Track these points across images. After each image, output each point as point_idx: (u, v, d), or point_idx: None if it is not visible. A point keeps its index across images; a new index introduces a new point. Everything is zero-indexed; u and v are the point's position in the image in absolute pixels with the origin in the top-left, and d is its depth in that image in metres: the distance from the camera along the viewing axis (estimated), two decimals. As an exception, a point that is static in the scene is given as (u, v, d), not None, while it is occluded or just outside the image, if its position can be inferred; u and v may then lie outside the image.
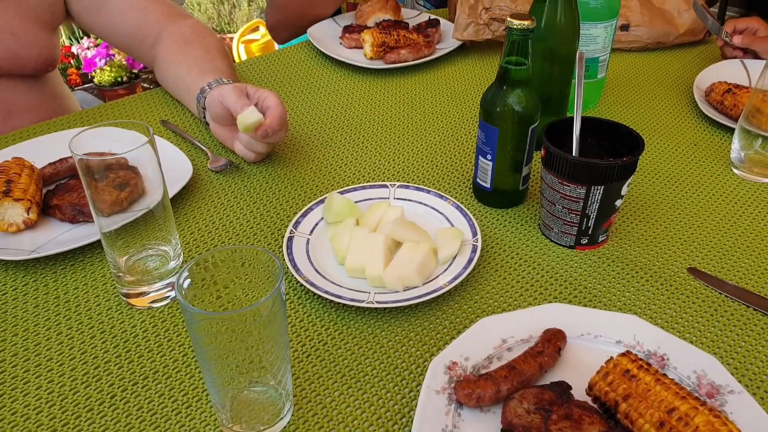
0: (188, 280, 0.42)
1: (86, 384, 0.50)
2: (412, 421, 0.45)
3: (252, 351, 0.41)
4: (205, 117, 0.81)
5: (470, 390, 0.45)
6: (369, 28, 1.07)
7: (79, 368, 0.52)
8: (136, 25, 0.90)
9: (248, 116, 0.70)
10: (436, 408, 0.45)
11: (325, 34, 1.12)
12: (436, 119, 0.90)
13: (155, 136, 0.56)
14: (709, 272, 0.61)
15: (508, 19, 0.61)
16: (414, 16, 1.19)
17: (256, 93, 0.74)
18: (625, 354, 0.46)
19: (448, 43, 1.09)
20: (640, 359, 0.45)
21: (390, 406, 0.48)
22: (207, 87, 0.78)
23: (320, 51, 1.07)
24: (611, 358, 0.46)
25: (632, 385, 0.44)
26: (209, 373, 0.42)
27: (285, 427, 0.46)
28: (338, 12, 1.29)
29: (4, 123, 0.89)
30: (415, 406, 0.46)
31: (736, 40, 0.99)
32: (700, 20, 1.03)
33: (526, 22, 0.61)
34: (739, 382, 0.49)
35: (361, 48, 1.06)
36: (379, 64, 1.02)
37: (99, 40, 2.39)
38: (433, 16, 1.14)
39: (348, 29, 1.09)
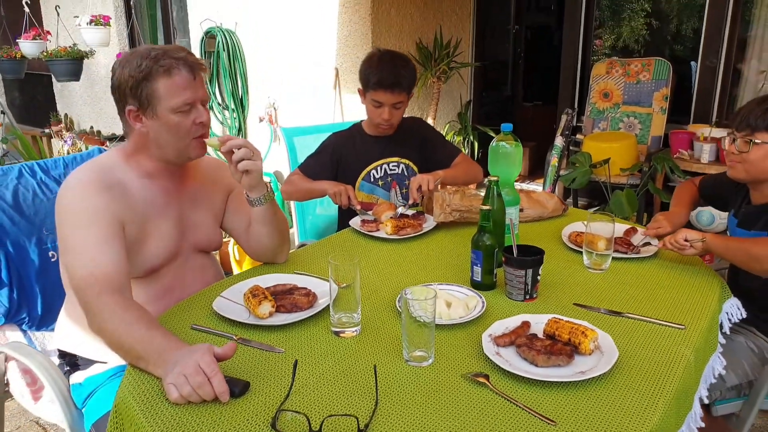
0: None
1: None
2: (482, 350, 1.19)
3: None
4: (249, 200, 1.48)
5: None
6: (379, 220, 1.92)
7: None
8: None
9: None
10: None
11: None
12: (438, 254, 1.71)
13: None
14: (585, 304, 1.42)
15: (482, 207, 1.46)
16: (405, 209, 2.05)
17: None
18: (553, 319, 1.24)
19: (430, 223, 1.94)
20: (560, 319, 1.24)
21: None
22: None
23: (360, 233, 1.89)
24: (548, 321, 1.24)
25: (557, 326, 1.21)
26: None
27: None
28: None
29: (202, 277, 1.57)
30: (481, 345, 1.20)
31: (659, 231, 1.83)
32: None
33: (486, 207, 1.46)
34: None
35: (376, 231, 1.88)
36: (395, 237, 1.85)
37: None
38: (417, 211, 2.01)
39: (365, 222, 1.93)
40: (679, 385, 1.13)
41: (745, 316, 1.59)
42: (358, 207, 2.03)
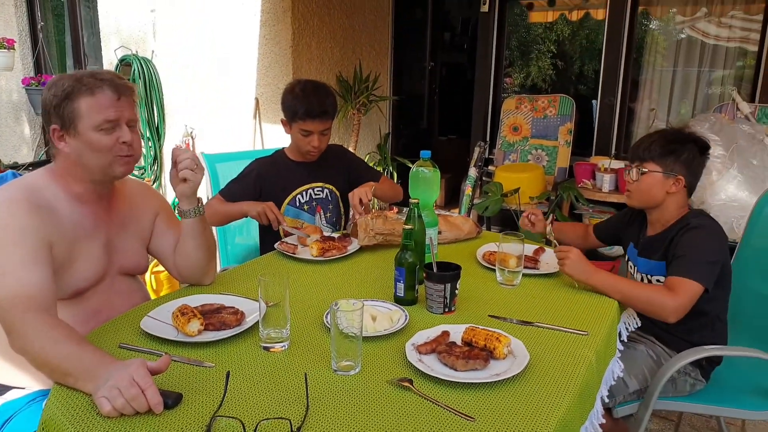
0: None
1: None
2: (405, 359, 1.26)
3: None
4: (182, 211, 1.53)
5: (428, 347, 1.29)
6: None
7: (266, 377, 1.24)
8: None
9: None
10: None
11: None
12: (363, 274, 1.78)
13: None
14: (498, 315, 1.53)
15: (405, 227, 1.55)
16: (329, 233, 2.11)
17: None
18: (470, 328, 1.33)
19: (354, 246, 2.01)
20: (476, 328, 1.33)
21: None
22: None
23: (285, 255, 1.93)
24: (465, 329, 1.33)
25: (474, 333, 1.31)
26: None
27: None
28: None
29: (129, 300, 1.56)
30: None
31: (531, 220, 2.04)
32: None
33: (408, 227, 1.56)
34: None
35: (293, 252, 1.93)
36: (320, 258, 1.91)
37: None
38: (342, 234, 2.08)
39: (282, 243, 1.98)
40: (582, 383, 1.25)
41: (640, 324, 1.75)
42: (284, 223, 2.08)
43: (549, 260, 1.91)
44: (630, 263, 2.01)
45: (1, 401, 1.41)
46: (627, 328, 1.72)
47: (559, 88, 5.11)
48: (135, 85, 1.47)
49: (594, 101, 4.54)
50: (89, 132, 1.37)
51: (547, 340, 1.41)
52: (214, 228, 2.62)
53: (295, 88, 2.23)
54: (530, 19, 5.08)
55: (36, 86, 4.74)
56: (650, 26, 4.42)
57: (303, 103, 2.17)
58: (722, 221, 3.34)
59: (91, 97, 1.36)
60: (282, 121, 2.29)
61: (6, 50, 4.65)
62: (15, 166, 5.23)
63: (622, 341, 1.67)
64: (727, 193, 3.16)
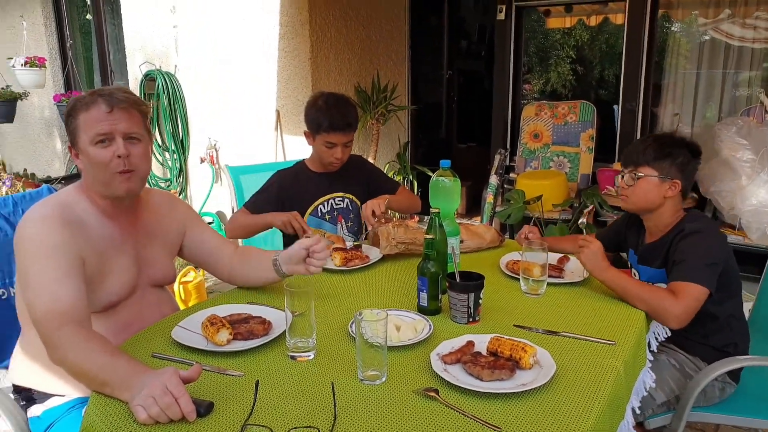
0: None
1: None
2: (431, 368, 1.27)
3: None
4: (280, 270, 1.59)
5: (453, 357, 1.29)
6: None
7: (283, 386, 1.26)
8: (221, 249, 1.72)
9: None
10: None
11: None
12: (386, 284, 1.79)
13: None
14: (524, 325, 1.53)
15: (426, 236, 1.56)
16: (352, 243, 2.13)
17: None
18: (495, 338, 1.34)
19: (375, 255, 2.03)
20: (502, 337, 1.33)
21: (419, 370, 1.30)
22: (276, 257, 1.60)
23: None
24: (490, 339, 1.33)
25: (499, 343, 1.31)
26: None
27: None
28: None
29: (159, 311, 1.59)
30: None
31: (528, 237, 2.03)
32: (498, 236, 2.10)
33: (430, 236, 1.57)
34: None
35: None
36: (342, 268, 1.93)
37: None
38: (354, 245, 2.10)
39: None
40: (611, 394, 1.24)
41: (669, 334, 1.73)
42: (309, 232, 2.10)
43: (574, 269, 1.90)
44: (633, 270, 2.00)
45: (43, 408, 1.45)
46: (656, 338, 1.70)
47: (580, 93, 5.09)
48: (139, 99, 1.47)
49: (615, 106, 4.51)
50: (88, 147, 1.40)
51: (574, 350, 1.40)
52: (240, 241, 2.66)
53: (318, 100, 2.26)
54: (548, 25, 5.07)
55: (66, 102, 4.85)
56: (672, 29, 4.38)
57: (327, 115, 2.21)
58: (754, 227, 3.32)
59: (86, 112, 1.40)
60: (305, 133, 2.32)
61: (38, 68, 4.77)
62: (48, 180, 5.36)
63: (651, 351, 1.65)
64: (758, 197, 3.12)
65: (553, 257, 1.94)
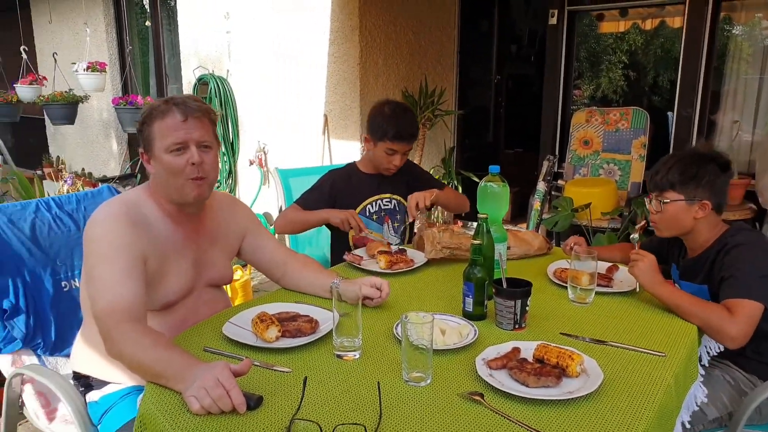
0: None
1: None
2: (476, 373, 1.27)
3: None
4: (333, 294, 1.55)
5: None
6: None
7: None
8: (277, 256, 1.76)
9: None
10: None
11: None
12: (430, 288, 1.79)
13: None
14: (570, 333, 1.51)
15: (473, 242, 1.56)
16: (397, 245, 2.15)
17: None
18: (542, 345, 1.33)
19: (420, 260, 2.04)
20: (548, 345, 1.32)
21: (464, 374, 1.30)
22: (336, 284, 1.60)
23: (354, 267, 1.98)
24: (537, 346, 1.32)
25: (546, 351, 1.30)
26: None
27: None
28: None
29: (213, 309, 1.64)
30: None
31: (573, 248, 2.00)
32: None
33: (477, 242, 1.57)
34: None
35: (359, 263, 1.98)
36: (387, 271, 1.94)
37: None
38: (407, 248, 2.11)
39: (349, 254, 2.03)
40: (660, 406, 1.22)
41: (722, 349, 1.68)
42: (365, 230, 2.14)
43: (623, 278, 1.87)
44: (675, 286, 1.94)
45: (100, 394, 1.53)
46: (708, 352, 1.66)
47: (631, 99, 4.98)
48: (211, 108, 1.51)
49: (670, 113, 4.40)
50: (162, 154, 1.45)
51: (622, 360, 1.38)
52: (286, 238, 2.71)
53: (385, 108, 2.30)
54: (600, 30, 4.99)
55: (124, 105, 5.05)
56: (733, 32, 4.23)
57: (394, 125, 2.24)
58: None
59: (161, 120, 1.45)
60: (365, 138, 2.36)
61: (99, 73, 4.97)
62: (104, 180, 5.58)
63: (702, 365, 1.61)
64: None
65: (602, 266, 1.91)
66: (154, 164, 1.48)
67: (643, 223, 1.89)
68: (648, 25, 4.58)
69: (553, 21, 4.58)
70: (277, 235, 2.30)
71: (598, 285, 1.76)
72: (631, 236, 1.83)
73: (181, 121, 1.44)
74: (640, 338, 1.50)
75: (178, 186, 1.47)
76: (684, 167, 1.75)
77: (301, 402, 1.15)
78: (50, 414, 1.68)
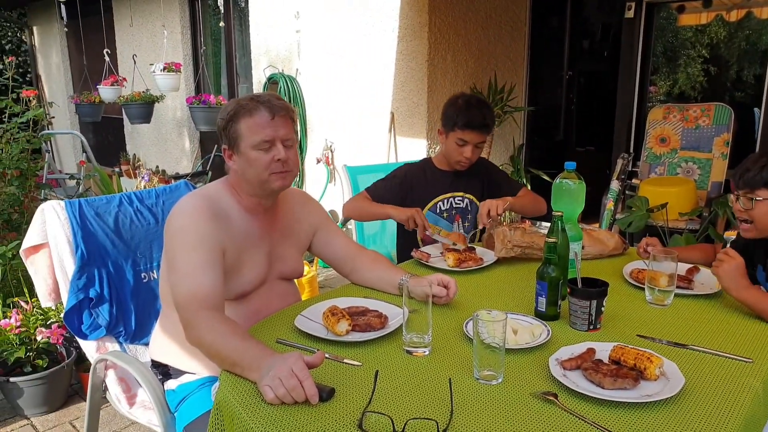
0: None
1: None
2: (549, 373, 1.24)
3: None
4: (403, 291, 1.50)
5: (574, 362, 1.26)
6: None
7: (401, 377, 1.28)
8: (347, 251, 1.78)
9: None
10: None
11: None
12: (500, 287, 1.77)
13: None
14: (647, 335, 1.45)
15: (548, 240, 1.53)
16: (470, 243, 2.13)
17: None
18: (618, 346, 1.28)
19: (490, 258, 2.01)
20: (626, 346, 1.28)
21: (537, 374, 1.27)
22: (404, 280, 1.61)
23: (422, 264, 1.97)
24: (613, 347, 1.28)
25: (622, 352, 1.26)
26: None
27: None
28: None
29: (284, 301, 1.67)
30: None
31: (647, 250, 1.93)
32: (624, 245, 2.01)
33: (552, 240, 1.53)
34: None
35: (426, 260, 1.96)
36: (456, 269, 1.92)
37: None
38: (477, 247, 2.08)
39: (417, 250, 2.02)
40: (747, 414, 1.15)
41: None
42: (429, 230, 2.12)
43: (704, 281, 1.78)
44: (762, 289, 1.82)
45: (177, 383, 1.59)
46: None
47: (710, 95, 4.74)
48: (292, 106, 1.54)
49: (756, 109, 4.16)
50: (249, 150, 1.50)
51: (704, 365, 1.32)
52: (354, 234, 2.73)
53: (459, 100, 2.30)
54: (679, 23, 4.77)
55: (197, 104, 5.22)
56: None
57: (465, 114, 2.23)
58: None
59: (249, 118, 1.48)
60: (438, 131, 2.37)
61: (174, 73, 5.16)
62: (177, 177, 5.79)
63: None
64: None
65: (682, 267, 1.82)
66: (237, 160, 1.53)
67: (735, 232, 1.79)
68: (733, 16, 4.35)
69: (630, 14, 4.42)
70: (344, 229, 2.32)
71: (678, 287, 1.68)
72: (725, 236, 1.74)
73: (269, 119, 1.48)
74: (725, 343, 1.43)
75: (262, 179, 1.52)
76: None
77: (372, 395, 1.16)
78: (131, 399, 1.76)
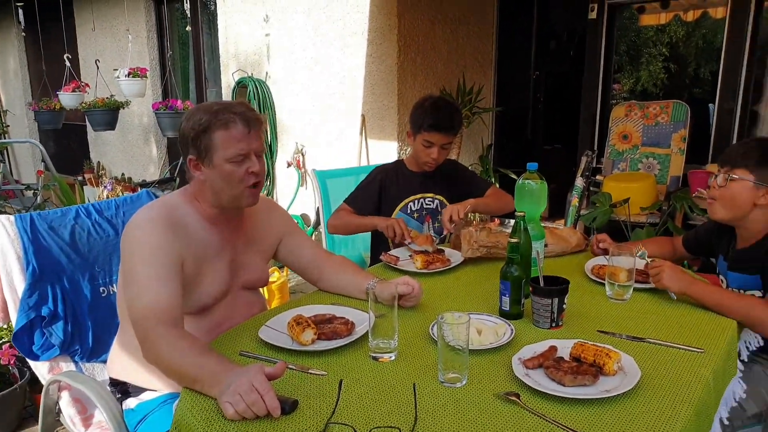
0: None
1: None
2: (512, 372, 1.27)
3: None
4: (369, 296, 1.41)
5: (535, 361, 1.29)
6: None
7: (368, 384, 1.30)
8: (313, 258, 1.79)
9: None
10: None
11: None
12: (467, 287, 1.80)
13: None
14: (608, 331, 1.49)
15: (511, 240, 1.56)
16: (438, 243, 2.15)
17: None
18: (578, 343, 1.32)
19: (457, 259, 2.04)
20: (585, 343, 1.31)
21: (500, 374, 1.30)
22: (371, 285, 1.56)
23: (390, 267, 1.99)
24: (574, 345, 1.32)
25: (582, 349, 1.29)
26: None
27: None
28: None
29: (249, 312, 1.67)
30: (511, 368, 1.28)
31: (600, 247, 1.99)
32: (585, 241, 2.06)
33: (514, 240, 1.56)
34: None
35: (395, 263, 1.99)
36: (424, 271, 1.95)
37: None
38: (445, 248, 2.11)
39: (386, 254, 2.04)
40: (698, 403, 1.20)
41: (762, 344, 1.64)
42: (408, 238, 2.14)
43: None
44: (721, 277, 1.89)
45: (137, 402, 1.55)
46: (747, 347, 1.62)
47: (671, 92, 4.86)
48: (264, 117, 1.54)
49: (711, 105, 4.28)
50: (223, 163, 1.47)
51: (660, 357, 1.36)
52: (323, 239, 2.74)
53: (425, 102, 2.33)
54: (641, 23, 4.87)
55: (164, 110, 5.16)
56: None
57: (431, 116, 2.26)
58: None
59: (225, 131, 1.45)
60: (407, 133, 2.41)
61: (140, 78, 5.09)
62: (143, 184, 5.72)
63: (742, 361, 1.57)
64: None
65: (641, 262, 1.88)
66: (207, 171, 1.49)
67: (644, 249, 1.87)
68: (690, 16, 4.46)
69: (593, 15, 4.50)
70: (313, 236, 2.32)
71: (636, 281, 1.73)
72: (638, 252, 1.80)
73: (245, 132, 1.47)
74: (679, 334, 1.48)
75: (235, 194, 1.51)
76: (765, 151, 1.73)
77: (336, 405, 1.17)
78: (86, 421, 1.69)
